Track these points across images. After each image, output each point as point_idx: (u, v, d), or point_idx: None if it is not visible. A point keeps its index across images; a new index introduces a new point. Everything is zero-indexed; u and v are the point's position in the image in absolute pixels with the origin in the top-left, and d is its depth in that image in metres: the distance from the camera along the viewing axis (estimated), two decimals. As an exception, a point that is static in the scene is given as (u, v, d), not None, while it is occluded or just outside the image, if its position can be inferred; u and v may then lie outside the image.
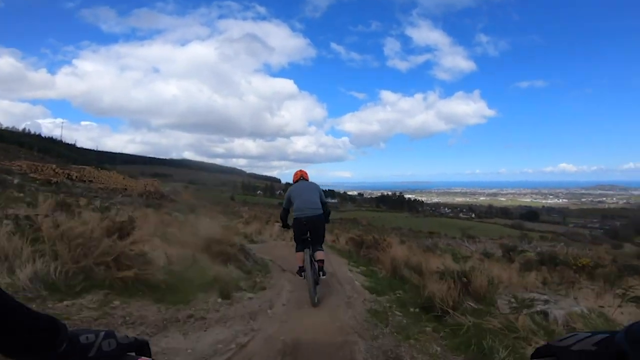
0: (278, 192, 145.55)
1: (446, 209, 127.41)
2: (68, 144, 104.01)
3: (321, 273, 4.28)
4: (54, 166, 32.25)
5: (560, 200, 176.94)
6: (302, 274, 4.32)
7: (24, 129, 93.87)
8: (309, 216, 4.29)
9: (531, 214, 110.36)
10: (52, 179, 25.22)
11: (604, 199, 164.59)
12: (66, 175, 33.53)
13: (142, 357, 0.62)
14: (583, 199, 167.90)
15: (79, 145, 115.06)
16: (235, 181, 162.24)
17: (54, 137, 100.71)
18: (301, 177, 4.78)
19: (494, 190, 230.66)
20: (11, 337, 0.52)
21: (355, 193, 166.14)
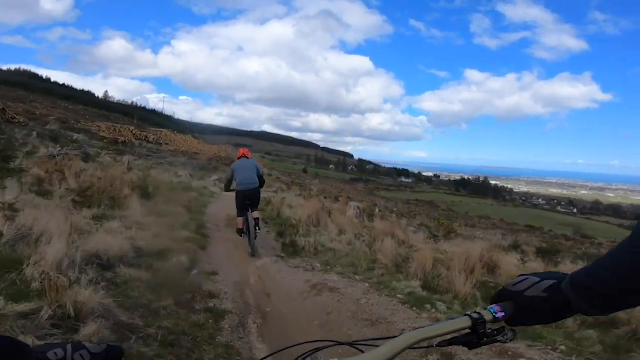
0: (350, 168, 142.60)
1: (540, 200, 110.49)
2: (167, 115, 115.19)
3: (258, 228, 5.21)
4: (132, 128, 32.10)
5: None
6: (242, 234, 5.34)
7: (132, 102, 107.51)
8: (250, 189, 5.23)
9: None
10: (119, 138, 24.28)
11: None
12: (143, 137, 33.20)
13: None
14: None
15: (177, 117, 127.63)
16: (309, 154, 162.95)
17: (155, 109, 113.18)
18: (243, 155, 5.59)
19: (600, 184, 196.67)
20: None
21: (430, 174, 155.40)
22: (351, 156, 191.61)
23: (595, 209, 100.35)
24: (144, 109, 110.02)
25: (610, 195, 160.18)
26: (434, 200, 71.55)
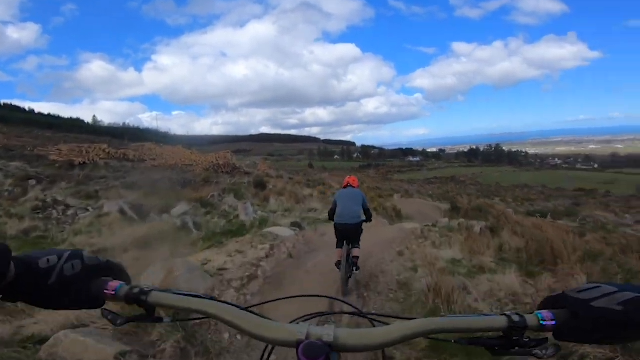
0: (355, 155, 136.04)
1: (556, 160, 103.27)
2: (162, 132, 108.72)
3: (354, 268, 4.43)
4: (104, 146, 25.60)
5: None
6: (339, 266, 4.51)
7: (124, 124, 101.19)
8: (348, 224, 4.46)
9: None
10: (76, 159, 18.00)
11: None
12: (121, 155, 26.61)
13: (114, 281, 0.53)
14: None
15: (172, 132, 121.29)
16: (311, 149, 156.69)
17: (150, 128, 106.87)
18: (348, 184, 4.84)
19: (606, 137, 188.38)
20: None
21: (435, 150, 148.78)
22: (353, 144, 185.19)
23: (617, 161, 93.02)
24: (137, 129, 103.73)
25: (619, 146, 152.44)
26: (455, 175, 65.12)
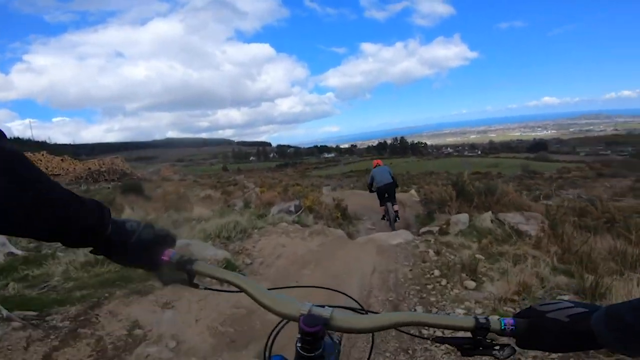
0: (271, 155, 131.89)
1: (449, 149, 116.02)
2: (38, 141, 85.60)
3: (397, 218, 6.68)
4: None
5: (549, 131, 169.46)
6: (384, 218, 6.98)
7: None
8: (385, 184, 6.75)
9: (539, 145, 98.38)
10: None
11: (591, 127, 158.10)
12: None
13: (169, 249, 0.64)
14: (571, 129, 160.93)
15: (52, 142, 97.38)
16: (225, 151, 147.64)
17: (20, 137, 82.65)
18: (377, 164, 7.31)
19: (482, 128, 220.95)
20: (67, 223, 0.50)
21: (347, 145, 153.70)
22: (269, 144, 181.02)
23: (493, 148, 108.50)
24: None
25: (492, 135, 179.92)
26: (368, 168, 66.94)
